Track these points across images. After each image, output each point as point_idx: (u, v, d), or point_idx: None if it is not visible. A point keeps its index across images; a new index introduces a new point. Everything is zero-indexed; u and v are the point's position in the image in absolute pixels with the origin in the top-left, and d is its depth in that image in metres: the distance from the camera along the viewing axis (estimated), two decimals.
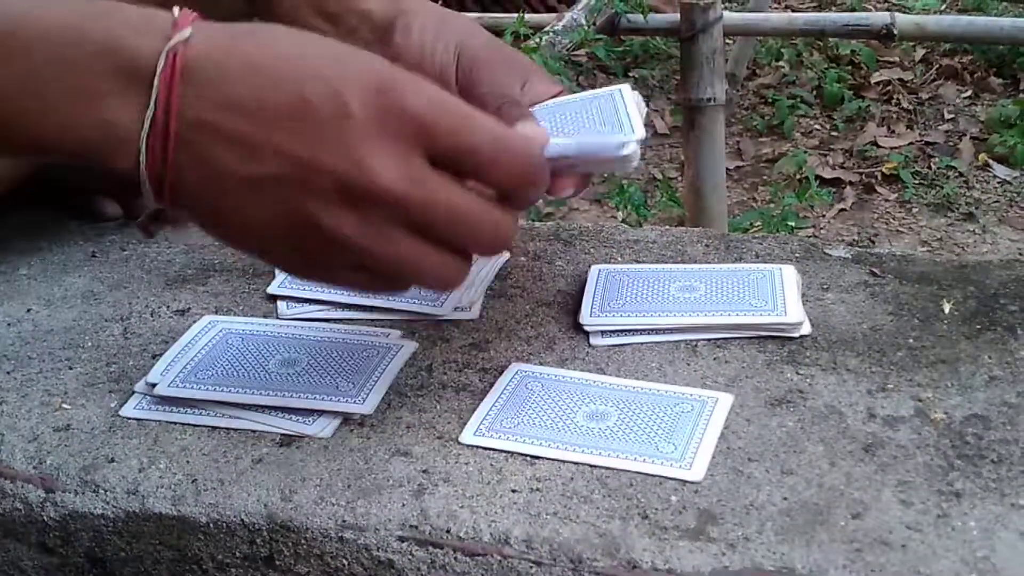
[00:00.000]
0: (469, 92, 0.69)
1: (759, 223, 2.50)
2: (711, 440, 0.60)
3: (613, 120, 0.67)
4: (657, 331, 0.69)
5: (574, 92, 0.73)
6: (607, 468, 0.58)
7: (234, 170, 0.53)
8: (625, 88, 0.71)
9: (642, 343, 0.69)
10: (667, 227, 0.86)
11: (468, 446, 0.60)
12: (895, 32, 2.16)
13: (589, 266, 0.77)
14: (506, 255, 0.79)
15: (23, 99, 0.53)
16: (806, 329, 0.69)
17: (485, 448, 0.60)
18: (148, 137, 0.53)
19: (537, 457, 0.59)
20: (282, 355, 0.67)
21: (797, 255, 0.78)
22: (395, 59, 0.67)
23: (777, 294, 0.71)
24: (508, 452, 0.59)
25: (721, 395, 0.63)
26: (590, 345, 0.69)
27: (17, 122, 0.54)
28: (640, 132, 0.65)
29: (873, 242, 2.72)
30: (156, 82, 0.52)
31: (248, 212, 0.54)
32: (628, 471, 0.58)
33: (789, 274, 0.73)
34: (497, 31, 2.47)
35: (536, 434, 0.60)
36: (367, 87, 0.53)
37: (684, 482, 0.57)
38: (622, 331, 0.70)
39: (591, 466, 0.58)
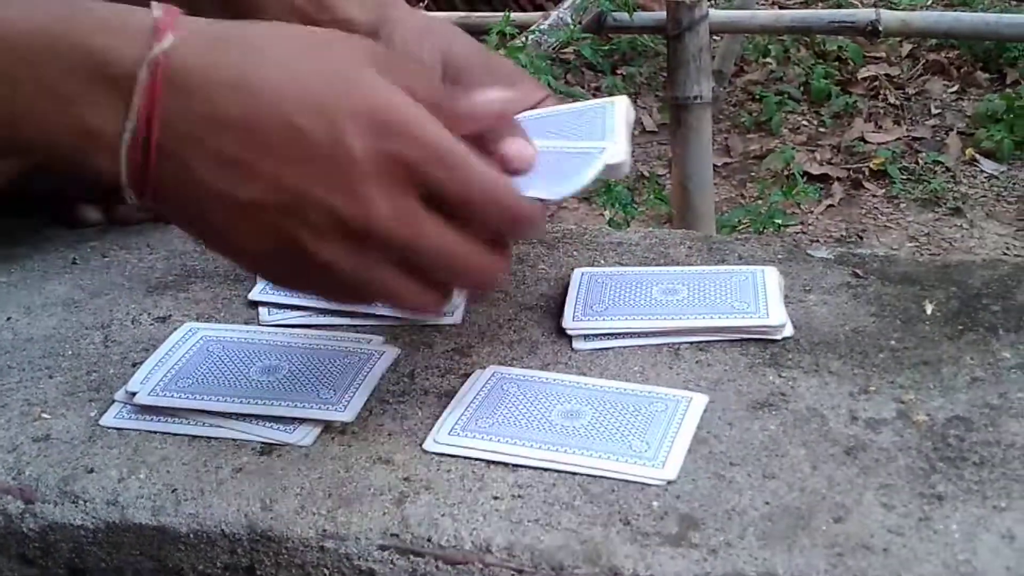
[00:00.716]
0: None
1: (747, 220, 2.50)
2: (685, 439, 0.60)
3: (598, 137, 0.67)
4: (640, 334, 0.69)
5: (559, 93, 0.73)
6: (585, 470, 0.58)
7: (221, 190, 0.53)
8: (619, 102, 0.70)
9: (624, 347, 0.69)
10: (650, 229, 0.86)
11: (445, 446, 0.60)
12: (880, 28, 2.16)
13: (572, 269, 0.77)
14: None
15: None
16: (788, 331, 0.69)
17: (459, 447, 0.60)
18: (128, 147, 0.52)
19: (513, 456, 0.59)
20: (263, 362, 0.67)
21: (780, 256, 0.78)
22: None
23: (759, 296, 0.71)
24: (482, 451, 0.59)
25: (695, 395, 0.63)
26: (573, 349, 0.69)
27: None
28: (620, 155, 0.65)
29: (861, 238, 2.73)
30: (138, 91, 0.52)
31: (234, 230, 0.54)
32: (598, 472, 0.57)
33: (771, 276, 0.73)
34: (483, 30, 2.47)
35: (511, 433, 0.60)
36: (365, 126, 0.53)
37: (665, 488, 0.56)
38: (604, 335, 0.69)
39: (572, 473, 0.58)
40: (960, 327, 0.69)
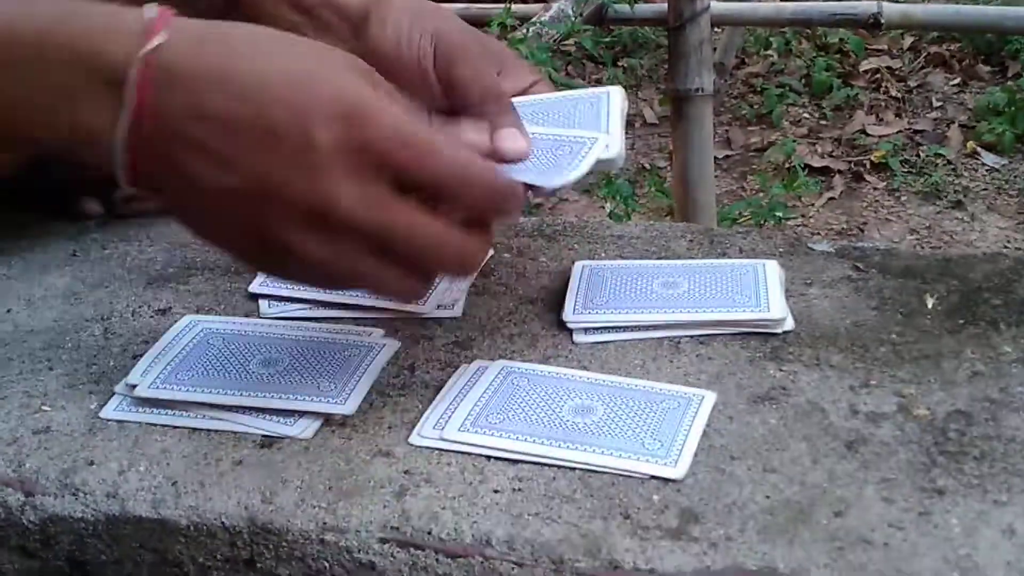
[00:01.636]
0: (448, 81, 0.69)
1: (748, 213, 2.50)
2: (696, 438, 0.59)
3: (593, 128, 0.67)
4: (640, 328, 0.69)
5: (557, 83, 0.73)
6: (591, 466, 0.58)
7: (203, 177, 0.55)
8: (615, 92, 0.71)
9: (625, 340, 0.69)
10: (651, 222, 0.86)
11: (453, 442, 0.60)
12: (882, 21, 2.16)
13: (573, 262, 0.77)
14: (490, 252, 0.79)
15: None
16: (789, 325, 0.69)
17: (471, 444, 0.59)
18: (122, 140, 0.54)
19: (523, 453, 0.59)
20: (263, 355, 0.67)
21: (781, 249, 0.78)
22: (372, 52, 0.69)
23: (760, 290, 0.71)
24: (494, 448, 0.59)
25: (707, 393, 0.63)
26: (573, 342, 0.69)
27: None
28: (615, 148, 0.66)
29: (862, 230, 2.72)
30: (129, 87, 0.53)
31: (216, 218, 0.56)
32: (610, 470, 0.57)
33: (772, 269, 0.73)
34: (484, 22, 2.46)
35: (522, 429, 0.60)
36: (332, 116, 0.54)
37: (666, 481, 0.56)
38: (605, 328, 0.69)
39: (573, 467, 0.58)
40: (961, 321, 0.69)
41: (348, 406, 0.62)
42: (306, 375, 0.65)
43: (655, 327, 0.69)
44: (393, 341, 0.69)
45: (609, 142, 0.66)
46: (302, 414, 0.62)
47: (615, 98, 0.70)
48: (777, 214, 2.41)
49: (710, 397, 0.62)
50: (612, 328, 0.69)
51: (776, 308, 0.69)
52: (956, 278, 0.73)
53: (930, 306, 0.70)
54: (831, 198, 2.87)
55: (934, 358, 0.65)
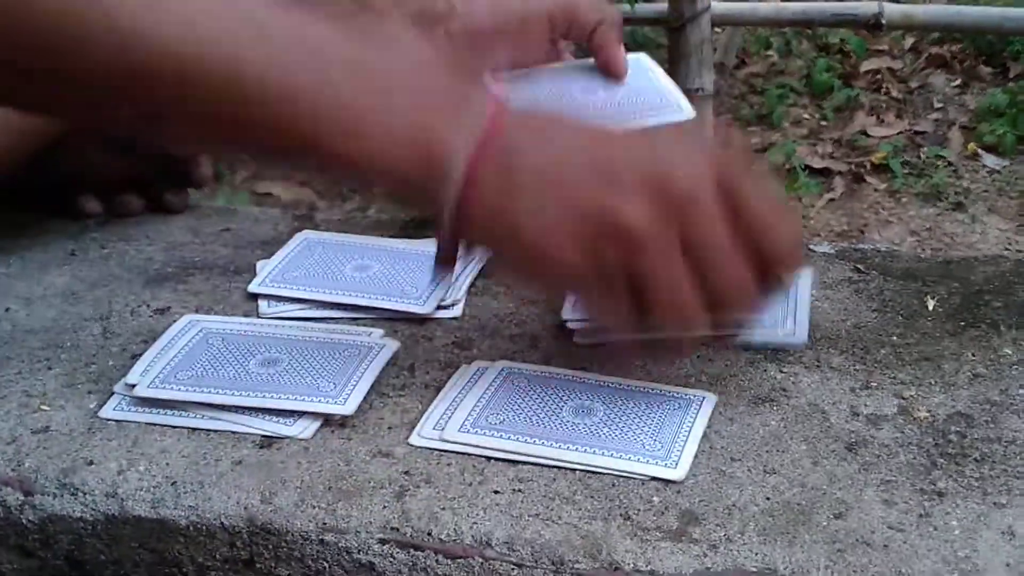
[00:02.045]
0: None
1: None
2: (696, 440, 0.59)
3: (661, 94, 0.80)
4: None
5: None
6: (590, 467, 0.57)
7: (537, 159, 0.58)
8: (645, 58, 0.83)
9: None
10: None
11: (453, 443, 0.60)
12: (884, 22, 2.16)
13: None
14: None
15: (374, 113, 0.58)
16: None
17: (471, 444, 0.59)
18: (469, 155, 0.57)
19: (523, 454, 0.59)
20: (263, 355, 0.67)
21: None
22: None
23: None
24: (494, 448, 0.59)
25: (708, 395, 0.63)
26: (573, 343, 0.69)
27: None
28: (689, 108, 0.79)
29: (863, 232, 2.72)
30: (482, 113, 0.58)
31: (549, 210, 0.57)
32: (610, 471, 0.57)
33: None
34: None
35: (522, 430, 0.60)
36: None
37: (667, 482, 0.56)
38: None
39: (573, 468, 0.58)
40: (962, 323, 0.69)
41: (348, 406, 0.62)
42: (305, 375, 0.65)
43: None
44: (393, 341, 0.69)
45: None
46: (301, 414, 0.62)
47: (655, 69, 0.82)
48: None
49: (711, 399, 0.62)
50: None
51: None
52: (957, 280, 0.73)
53: (931, 308, 0.70)
54: (831, 199, 2.87)
55: (935, 360, 0.65)
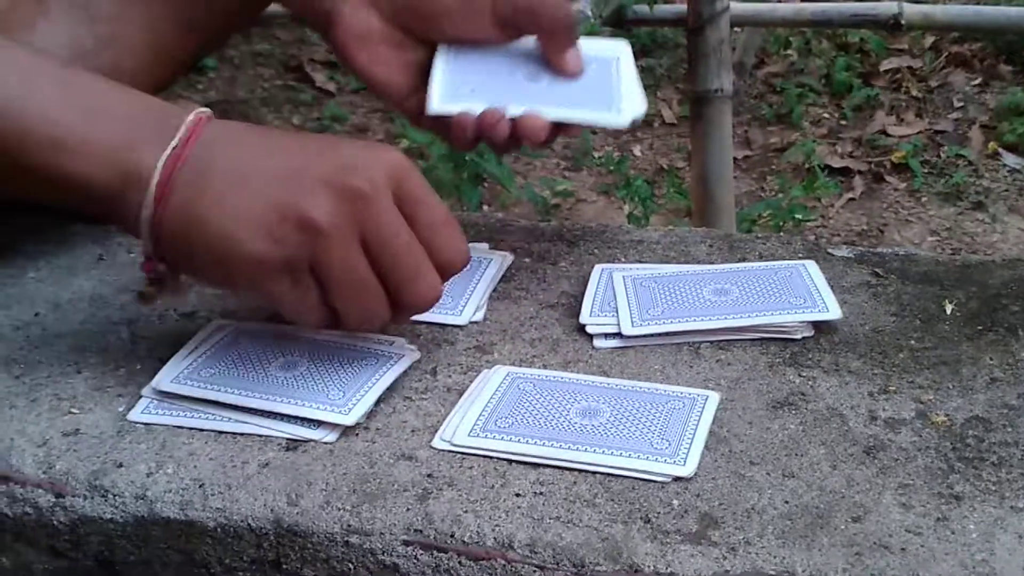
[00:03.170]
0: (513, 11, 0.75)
1: (767, 213, 2.49)
2: (703, 436, 0.60)
3: (607, 93, 0.75)
4: (684, 333, 0.70)
5: None
6: (600, 468, 0.58)
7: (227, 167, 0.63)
8: (624, 53, 0.78)
9: (645, 345, 0.69)
10: (670, 227, 0.86)
11: (464, 448, 0.61)
12: (903, 22, 2.15)
13: (593, 266, 0.78)
14: (510, 257, 0.79)
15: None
16: (808, 331, 0.69)
17: (490, 449, 0.60)
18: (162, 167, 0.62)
19: (533, 456, 0.59)
20: (285, 358, 0.68)
21: (800, 254, 0.78)
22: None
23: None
24: (502, 451, 0.60)
25: (711, 393, 0.63)
26: (593, 347, 0.70)
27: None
28: (638, 108, 0.74)
29: (882, 232, 2.71)
30: (182, 129, 0.63)
31: (235, 202, 0.61)
32: (621, 470, 0.58)
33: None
34: None
35: (530, 433, 0.61)
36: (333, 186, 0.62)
37: (686, 486, 0.57)
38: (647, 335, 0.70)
39: (594, 471, 0.58)
40: (980, 327, 0.69)
41: (351, 417, 0.62)
42: (319, 382, 0.65)
43: (689, 333, 0.70)
44: (413, 352, 0.69)
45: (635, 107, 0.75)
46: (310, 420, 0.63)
47: (625, 61, 0.78)
48: (796, 216, 2.40)
49: (714, 397, 0.63)
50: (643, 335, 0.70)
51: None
52: (975, 284, 0.74)
53: (949, 312, 0.71)
54: (851, 199, 2.86)
55: (953, 364, 0.66)
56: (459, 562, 0.55)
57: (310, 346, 0.69)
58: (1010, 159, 2.96)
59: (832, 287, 0.74)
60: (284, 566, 0.58)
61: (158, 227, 0.62)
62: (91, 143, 0.62)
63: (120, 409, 0.66)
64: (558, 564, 0.54)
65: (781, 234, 0.87)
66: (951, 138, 3.11)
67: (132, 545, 0.60)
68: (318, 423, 0.63)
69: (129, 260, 0.84)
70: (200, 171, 0.62)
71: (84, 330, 0.75)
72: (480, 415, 0.63)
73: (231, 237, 0.61)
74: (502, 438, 0.61)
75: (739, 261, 0.78)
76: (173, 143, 0.62)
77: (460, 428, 0.62)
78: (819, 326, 0.69)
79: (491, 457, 0.60)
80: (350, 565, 0.57)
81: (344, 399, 0.64)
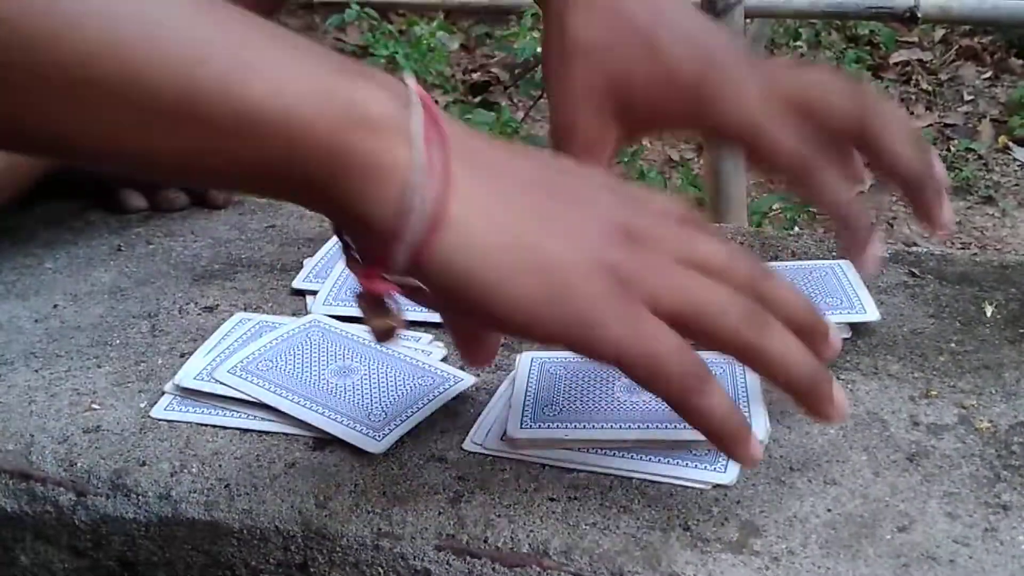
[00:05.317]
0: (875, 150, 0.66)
1: (779, 206, 2.48)
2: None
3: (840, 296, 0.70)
4: None
5: None
6: (644, 475, 0.57)
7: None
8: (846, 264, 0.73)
9: None
10: None
11: (514, 440, 0.59)
12: (919, 15, 2.13)
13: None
14: None
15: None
16: (847, 332, 0.68)
17: (537, 440, 0.58)
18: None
19: (587, 440, 0.58)
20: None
21: (834, 253, 0.77)
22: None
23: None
24: (561, 439, 0.58)
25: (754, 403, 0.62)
26: None
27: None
28: (874, 312, 0.68)
29: (891, 225, 2.70)
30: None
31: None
32: (661, 478, 0.56)
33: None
34: (516, 12, 2.44)
35: (583, 417, 0.59)
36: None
37: (725, 492, 0.56)
38: None
39: (630, 477, 0.57)
40: (1021, 330, 0.67)
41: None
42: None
43: None
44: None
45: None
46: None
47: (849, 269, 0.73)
48: (810, 208, 2.38)
49: (756, 402, 0.61)
50: None
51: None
52: (1014, 286, 0.72)
53: (989, 314, 0.69)
54: (860, 192, 2.84)
55: (995, 369, 0.64)
56: (493, 568, 0.54)
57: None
58: (1020, 153, 2.95)
59: (868, 287, 0.72)
60: (311, 569, 0.56)
61: (440, 210, 0.45)
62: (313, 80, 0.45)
63: (142, 405, 0.64)
64: (595, 572, 0.52)
65: (815, 231, 0.85)
66: (961, 132, 3.09)
67: (155, 546, 0.59)
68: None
69: (148, 251, 0.83)
70: (474, 163, 0.47)
71: (103, 323, 0.73)
72: (523, 407, 0.61)
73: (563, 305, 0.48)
74: (554, 426, 0.59)
75: (771, 260, 0.76)
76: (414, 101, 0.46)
77: (510, 424, 0.60)
78: (856, 328, 0.68)
79: (532, 461, 0.58)
80: (380, 570, 0.55)
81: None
